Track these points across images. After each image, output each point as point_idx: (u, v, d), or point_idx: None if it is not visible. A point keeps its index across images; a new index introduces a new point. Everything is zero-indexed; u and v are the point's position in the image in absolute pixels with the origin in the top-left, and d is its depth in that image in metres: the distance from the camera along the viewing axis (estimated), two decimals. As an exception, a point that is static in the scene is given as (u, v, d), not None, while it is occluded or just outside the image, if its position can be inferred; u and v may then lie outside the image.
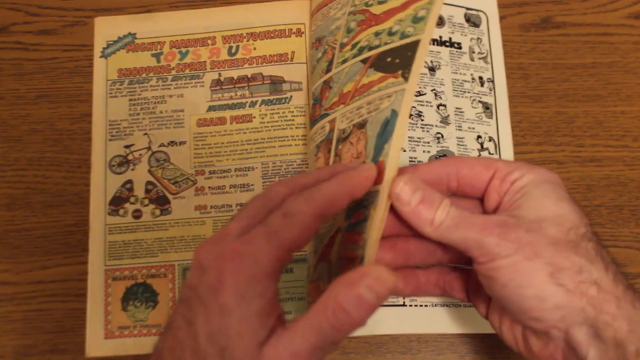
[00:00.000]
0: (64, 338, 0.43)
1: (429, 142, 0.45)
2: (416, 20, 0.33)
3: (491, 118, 0.46)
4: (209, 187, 0.46)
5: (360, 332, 0.40)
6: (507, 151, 0.46)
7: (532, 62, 0.49)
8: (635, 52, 0.49)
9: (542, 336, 0.29)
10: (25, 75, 0.49)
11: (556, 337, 0.28)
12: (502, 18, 0.49)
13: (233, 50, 0.48)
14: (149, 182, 0.46)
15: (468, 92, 0.46)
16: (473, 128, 0.46)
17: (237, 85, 0.48)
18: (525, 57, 0.49)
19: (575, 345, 0.28)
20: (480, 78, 0.47)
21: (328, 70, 0.42)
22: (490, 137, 0.46)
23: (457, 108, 0.46)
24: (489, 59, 0.48)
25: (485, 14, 0.49)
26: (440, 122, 0.45)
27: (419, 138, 0.45)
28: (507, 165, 0.31)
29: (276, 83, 0.47)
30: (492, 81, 0.47)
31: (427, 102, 0.46)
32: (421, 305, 0.41)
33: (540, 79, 0.48)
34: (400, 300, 0.41)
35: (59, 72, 0.49)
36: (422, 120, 0.45)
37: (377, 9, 0.37)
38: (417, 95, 0.45)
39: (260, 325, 0.26)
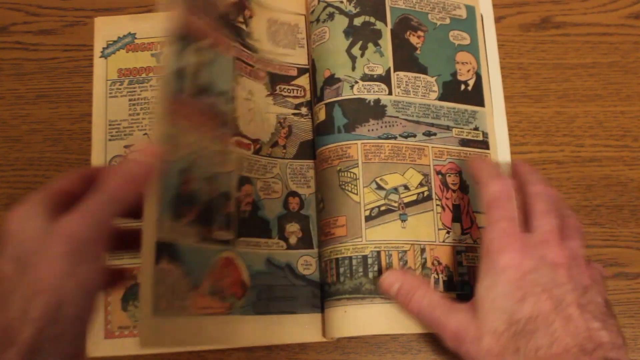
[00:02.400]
0: (64, 338, 0.43)
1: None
2: None
3: None
4: (209, 187, 0.46)
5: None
6: (504, 151, 0.46)
7: (532, 62, 0.49)
8: (635, 52, 0.49)
9: None
10: (25, 75, 0.49)
11: None
12: (501, 18, 0.49)
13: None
14: (149, 182, 0.46)
15: None
16: None
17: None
18: (525, 57, 0.49)
19: None
20: None
21: None
22: (490, 137, 0.46)
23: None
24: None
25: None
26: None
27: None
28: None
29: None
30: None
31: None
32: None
33: (540, 79, 0.48)
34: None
35: (59, 72, 0.49)
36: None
37: None
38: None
39: (40, 204, 0.29)
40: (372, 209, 0.41)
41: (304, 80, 0.46)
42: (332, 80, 0.44)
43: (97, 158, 0.46)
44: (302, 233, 0.43)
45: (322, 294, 0.42)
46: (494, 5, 0.49)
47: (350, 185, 0.41)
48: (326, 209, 0.42)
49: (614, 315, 0.34)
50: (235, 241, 0.41)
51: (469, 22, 0.47)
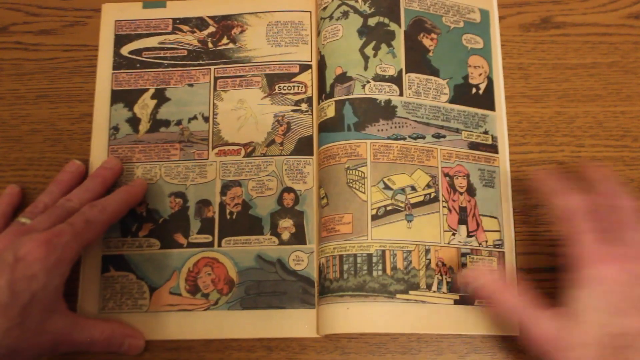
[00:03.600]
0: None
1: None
2: None
3: None
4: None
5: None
6: (503, 151, 0.46)
7: (532, 62, 0.49)
8: (635, 52, 0.49)
9: None
10: (25, 75, 0.49)
11: None
12: (501, 18, 0.49)
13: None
14: (148, 182, 0.46)
15: None
16: None
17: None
18: (525, 57, 0.49)
19: None
20: None
21: None
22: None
23: None
24: None
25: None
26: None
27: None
28: None
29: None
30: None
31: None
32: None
33: (540, 79, 0.48)
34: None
35: (59, 72, 0.49)
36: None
37: None
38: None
39: (56, 296, 0.37)
40: (379, 208, 0.42)
41: (305, 77, 0.47)
42: (343, 78, 0.44)
43: (97, 158, 0.46)
44: (296, 229, 0.44)
45: (320, 290, 0.42)
46: (494, 5, 0.49)
47: (357, 183, 0.42)
48: (331, 205, 0.42)
49: None
50: (221, 241, 0.43)
51: (483, 26, 0.48)
